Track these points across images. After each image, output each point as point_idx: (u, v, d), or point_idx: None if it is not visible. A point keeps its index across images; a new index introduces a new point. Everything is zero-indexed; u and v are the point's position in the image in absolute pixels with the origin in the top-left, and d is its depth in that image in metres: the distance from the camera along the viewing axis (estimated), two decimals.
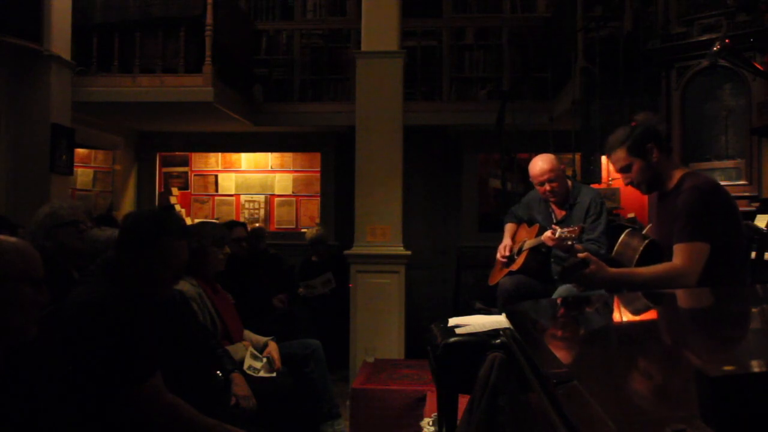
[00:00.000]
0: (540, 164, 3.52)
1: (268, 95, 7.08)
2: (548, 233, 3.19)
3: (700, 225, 2.32)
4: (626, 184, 2.62)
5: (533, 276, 3.48)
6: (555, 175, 3.49)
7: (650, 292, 2.25)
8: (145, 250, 2.08)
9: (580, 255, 2.38)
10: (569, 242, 3.09)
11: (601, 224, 3.45)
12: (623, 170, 2.56)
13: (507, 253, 3.61)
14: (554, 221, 3.55)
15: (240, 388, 2.72)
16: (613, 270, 2.38)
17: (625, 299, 2.14)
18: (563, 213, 3.58)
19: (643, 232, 2.69)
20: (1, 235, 1.71)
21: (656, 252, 2.50)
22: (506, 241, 3.69)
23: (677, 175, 2.48)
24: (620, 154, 2.52)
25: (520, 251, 3.58)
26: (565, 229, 3.06)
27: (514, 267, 3.54)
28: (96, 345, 1.90)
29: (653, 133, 2.50)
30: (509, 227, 3.78)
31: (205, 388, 2.36)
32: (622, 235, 2.71)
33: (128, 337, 1.93)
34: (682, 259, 2.32)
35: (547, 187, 3.51)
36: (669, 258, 2.40)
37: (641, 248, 2.55)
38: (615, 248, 2.71)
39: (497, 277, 3.63)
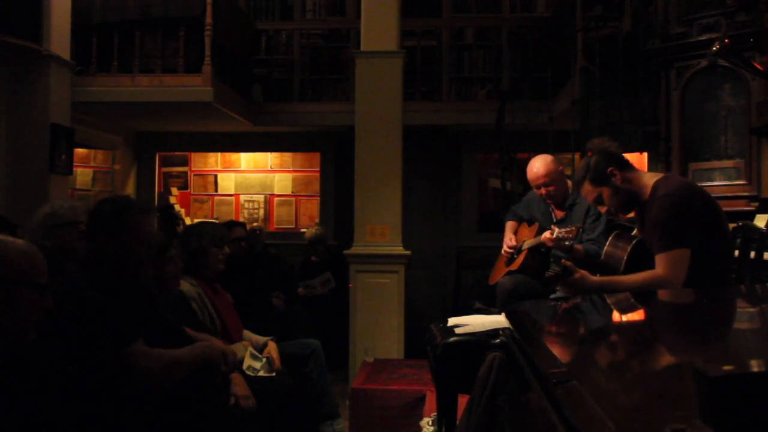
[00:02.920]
0: (535, 169, 3.51)
1: (268, 95, 7.07)
2: (547, 233, 3.20)
3: (675, 232, 2.33)
4: (606, 213, 2.64)
5: (533, 276, 3.48)
6: (550, 180, 3.48)
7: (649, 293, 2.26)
8: (112, 230, 2.13)
9: (565, 262, 2.40)
10: (567, 242, 3.10)
11: (600, 225, 3.45)
12: (597, 202, 2.58)
13: (513, 243, 3.62)
14: (554, 221, 3.55)
15: (239, 387, 2.72)
16: (597, 278, 2.40)
17: (624, 300, 2.14)
18: (563, 213, 3.58)
19: (633, 233, 2.70)
20: (5, 236, 1.70)
21: (645, 252, 2.52)
22: (508, 236, 3.71)
23: (650, 183, 2.49)
24: (587, 188, 2.55)
25: (519, 251, 3.58)
26: (563, 230, 3.07)
27: (514, 267, 3.54)
28: (75, 323, 1.95)
29: (609, 158, 2.51)
30: (510, 225, 3.79)
31: (205, 388, 2.36)
32: (611, 237, 2.73)
33: (102, 310, 1.98)
34: (664, 268, 2.34)
35: (543, 191, 3.52)
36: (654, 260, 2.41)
37: (629, 248, 2.56)
38: (604, 249, 2.72)
39: (497, 277, 3.63)
